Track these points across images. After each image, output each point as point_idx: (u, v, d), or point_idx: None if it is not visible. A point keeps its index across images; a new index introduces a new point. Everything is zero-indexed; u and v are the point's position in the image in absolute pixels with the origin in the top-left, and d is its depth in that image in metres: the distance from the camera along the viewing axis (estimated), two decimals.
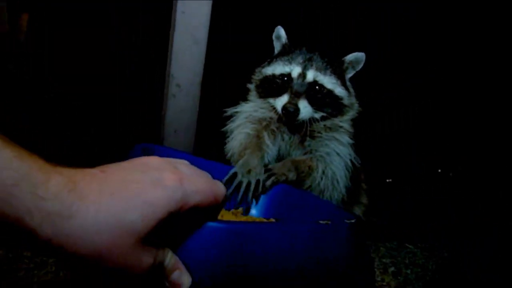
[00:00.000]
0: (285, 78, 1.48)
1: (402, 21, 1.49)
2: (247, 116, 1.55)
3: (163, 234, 0.65)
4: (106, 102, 1.96)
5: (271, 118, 1.51)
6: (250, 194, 1.31)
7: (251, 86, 1.59)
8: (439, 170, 2.38)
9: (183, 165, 0.74)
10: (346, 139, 1.50)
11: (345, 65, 1.55)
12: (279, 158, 1.53)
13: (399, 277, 1.51)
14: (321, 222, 0.97)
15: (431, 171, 2.34)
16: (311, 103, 1.44)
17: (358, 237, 1.04)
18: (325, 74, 1.49)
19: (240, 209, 1.32)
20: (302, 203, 1.27)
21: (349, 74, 1.57)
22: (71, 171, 0.62)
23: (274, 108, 1.47)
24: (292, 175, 1.40)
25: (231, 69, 1.44)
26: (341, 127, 1.52)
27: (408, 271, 1.54)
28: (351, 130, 1.53)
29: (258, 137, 1.51)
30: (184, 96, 1.45)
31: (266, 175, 1.35)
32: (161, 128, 1.52)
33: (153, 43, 1.88)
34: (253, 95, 1.57)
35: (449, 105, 2.29)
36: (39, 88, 1.53)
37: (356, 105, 1.56)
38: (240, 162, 1.39)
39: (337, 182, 1.48)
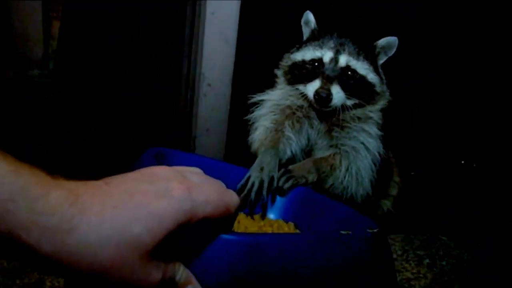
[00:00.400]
0: (316, 64, 1.44)
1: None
2: (271, 106, 1.51)
3: (172, 247, 0.63)
4: (112, 103, 1.99)
5: (298, 106, 1.46)
6: (264, 192, 1.28)
7: (279, 72, 1.54)
8: (462, 162, 2.37)
9: (193, 173, 0.72)
10: (375, 130, 1.47)
11: (377, 50, 1.51)
12: (307, 148, 1.49)
13: (434, 269, 1.51)
14: (342, 232, 0.94)
15: (453, 163, 2.32)
16: (344, 89, 1.40)
17: (380, 245, 1.01)
18: (357, 59, 1.45)
19: (260, 214, 1.31)
20: (322, 207, 1.24)
21: (381, 60, 1.52)
22: (74, 184, 0.60)
23: (304, 95, 1.43)
24: (312, 177, 1.38)
25: (261, 67, 1.45)
26: (370, 117, 1.48)
27: (444, 263, 1.54)
28: (380, 121, 1.50)
29: (276, 130, 1.48)
30: (215, 95, 1.47)
31: (285, 177, 1.33)
32: (192, 127, 1.55)
33: (161, 43, 1.90)
34: (280, 82, 1.53)
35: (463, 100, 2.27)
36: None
37: (387, 94, 1.52)
38: (254, 163, 1.35)
39: (362, 178, 1.44)
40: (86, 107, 1.76)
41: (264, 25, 1.38)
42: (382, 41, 1.49)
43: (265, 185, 1.28)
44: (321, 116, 1.47)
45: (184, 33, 1.78)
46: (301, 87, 1.44)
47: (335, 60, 1.42)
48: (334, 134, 1.45)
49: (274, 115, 1.50)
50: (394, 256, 1.57)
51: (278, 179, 1.33)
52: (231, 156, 1.49)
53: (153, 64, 1.85)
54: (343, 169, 1.43)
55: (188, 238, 0.66)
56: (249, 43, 1.44)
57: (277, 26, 1.45)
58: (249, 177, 1.30)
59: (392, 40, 1.48)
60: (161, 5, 1.87)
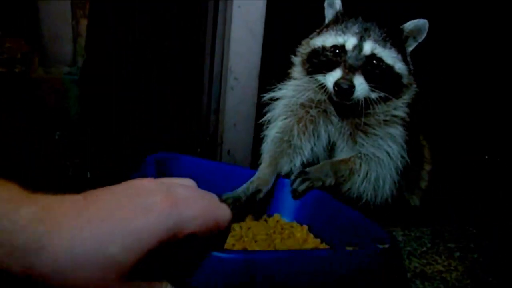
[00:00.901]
0: (338, 51, 1.31)
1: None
2: (282, 107, 1.41)
3: (156, 264, 0.60)
4: (138, 98, 2.00)
5: (314, 101, 1.35)
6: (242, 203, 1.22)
7: (296, 61, 1.43)
8: (486, 157, 2.33)
9: (182, 186, 0.68)
10: (400, 132, 1.37)
11: (404, 35, 1.36)
12: (329, 146, 1.43)
13: (466, 261, 1.49)
14: (348, 248, 0.90)
15: (478, 157, 2.28)
16: (368, 80, 1.27)
17: (391, 260, 0.95)
18: (384, 46, 1.31)
19: (276, 215, 1.30)
20: (337, 213, 1.21)
21: (410, 47, 1.38)
22: (49, 199, 0.56)
23: (323, 87, 1.31)
24: (329, 181, 1.31)
25: (287, 61, 1.43)
26: (396, 116, 1.37)
27: (475, 255, 1.52)
28: (407, 118, 1.38)
29: (282, 141, 1.38)
30: (242, 89, 1.47)
31: (300, 179, 1.28)
32: (219, 122, 1.56)
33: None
34: (297, 71, 1.42)
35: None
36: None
37: (414, 86, 1.39)
38: (254, 177, 1.29)
39: (381, 185, 1.37)
40: (111, 103, 1.78)
41: (291, 18, 1.37)
42: (409, 25, 1.36)
43: (242, 200, 1.22)
44: (341, 111, 1.36)
45: (206, 27, 1.79)
46: (320, 77, 1.32)
47: (359, 47, 1.29)
48: (358, 139, 1.37)
49: (285, 118, 1.41)
50: (424, 248, 1.56)
51: (293, 181, 1.29)
52: (259, 150, 1.49)
53: (178, 60, 1.87)
54: (362, 174, 1.35)
55: (174, 254, 0.63)
56: (276, 36, 1.43)
57: (304, 19, 1.44)
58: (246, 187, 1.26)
59: (421, 23, 1.34)
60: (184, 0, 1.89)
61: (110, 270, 0.54)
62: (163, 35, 1.91)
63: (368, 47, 1.30)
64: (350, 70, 1.25)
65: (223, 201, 1.12)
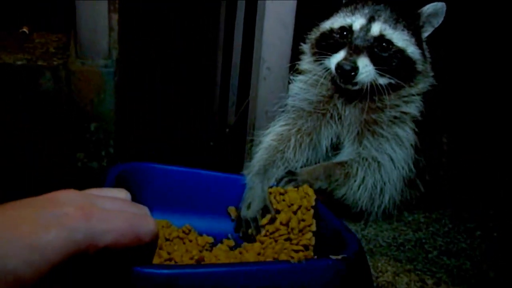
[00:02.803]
0: (345, 32, 1.26)
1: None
2: (287, 110, 1.39)
3: (67, 279, 0.58)
4: (172, 87, 2.01)
5: (318, 101, 1.33)
6: (250, 231, 1.18)
7: (305, 47, 1.40)
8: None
9: (106, 199, 0.66)
10: (407, 134, 1.31)
11: (422, 19, 1.30)
12: (334, 145, 1.39)
13: (487, 240, 1.54)
14: (332, 257, 0.86)
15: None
16: (375, 63, 1.21)
17: (351, 270, 0.88)
18: (395, 28, 1.24)
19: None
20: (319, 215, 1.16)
21: (426, 33, 1.32)
22: None
23: (327, 71, 1.25)
24: (319, 185, 1.27)
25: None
26: (406, 113, 1.31)
27: (495, 234, 1.58)
28: (419, 116, 1.31)
29: (276, 150, 1.34)
30: (274, 79, 1.52)
31: (286, 179, 1.25)
32: (251, 110, 1.60)
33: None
34: (305, 61, 1.40)
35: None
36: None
37: (430, 75, 1.34)
38: (244, 196, 1.25)
39: (378, 193, 1.31)
40: (142, 96, 1.80)
41: (321, 10, 1.41)
42: (427, 8, 1.29)
43: (252, 225, 1.17)
44: (350, 105, 1.29)
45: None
46: (326, 61, 1.28)
47: (366, 28, 1.24)
48: (364, 141, 1.31)
49: (284, 125, 1.37)
50: (446, 229, 1.61)
51: (279, 180, 1.27)
52: None
53: (192, 55, 1.89)
54: (358, 179, 1.30)
55: (90, 268, 0.61)
56: (306, 27, 1.47)
57: (334, 11, 1.48)
58: (240, 216, 1.22)
59: (439, 6, 1.27)
60: None
61: (11, 285, 0.52)
62: (194, 28, 1.92)
63: (376, 28, 1.24)
64: (355, 51, 1.20)
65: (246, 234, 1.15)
